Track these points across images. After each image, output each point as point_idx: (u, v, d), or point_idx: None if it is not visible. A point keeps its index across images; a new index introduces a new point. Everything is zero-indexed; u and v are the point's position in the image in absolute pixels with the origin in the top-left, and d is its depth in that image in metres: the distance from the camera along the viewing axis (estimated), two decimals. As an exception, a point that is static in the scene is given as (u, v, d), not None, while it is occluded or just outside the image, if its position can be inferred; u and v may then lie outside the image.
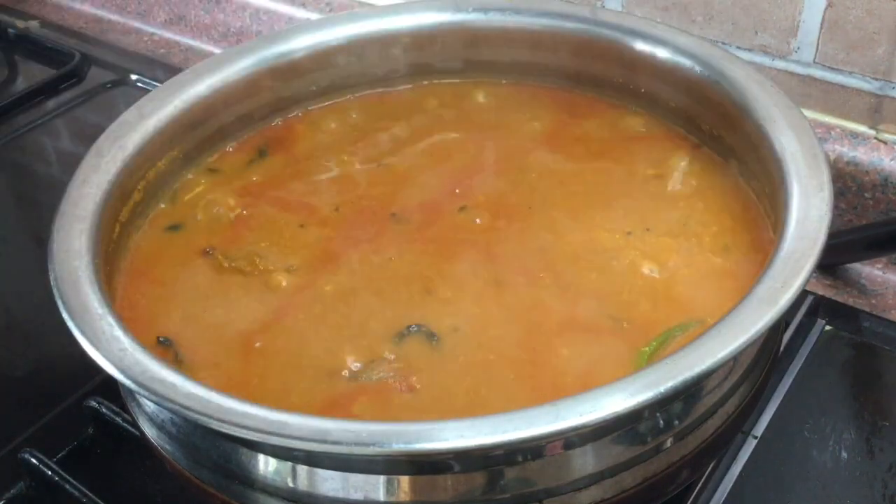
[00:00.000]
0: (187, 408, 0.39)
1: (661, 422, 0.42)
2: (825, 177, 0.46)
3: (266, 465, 0.42)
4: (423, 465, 0.40)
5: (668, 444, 0.43)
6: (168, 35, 1.01)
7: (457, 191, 0.57)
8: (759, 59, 0.68)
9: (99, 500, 0.52)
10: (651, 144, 0.59)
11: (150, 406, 0.46)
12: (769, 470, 0.52)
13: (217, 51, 0.94)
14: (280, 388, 0.46)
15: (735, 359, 0.41)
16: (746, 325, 0.40)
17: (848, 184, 0.66)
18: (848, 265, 0.66)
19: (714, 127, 0.57)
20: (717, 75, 0.55)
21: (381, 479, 0.40)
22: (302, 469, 0.41)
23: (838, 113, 0.67)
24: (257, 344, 0.48)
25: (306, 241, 0.54)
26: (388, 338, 0.48)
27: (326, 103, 0.65)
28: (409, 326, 0.48)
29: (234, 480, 0.43)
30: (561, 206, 0.55)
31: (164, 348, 0.48)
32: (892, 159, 0.64)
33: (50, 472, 0.53)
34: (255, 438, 0.38)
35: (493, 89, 0.65)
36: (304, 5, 0.91)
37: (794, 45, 0.67)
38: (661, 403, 0.41)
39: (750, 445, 0.53)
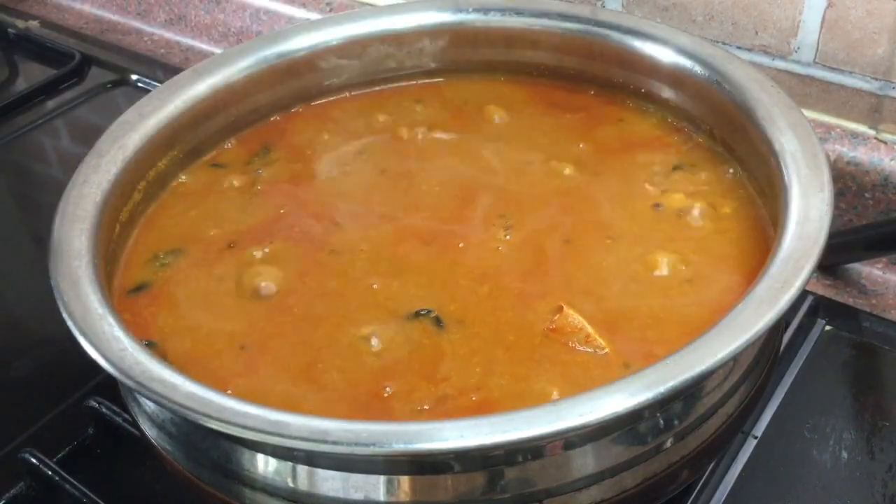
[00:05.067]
0: (187, 408, 0.39)
1: (661, 422, 0.42)
2: (825, 177, 0.46)
3: (266, 465, 0.42)
4: (423, 465, 0.40)
5: (668, 444, 0.43)
6: (168, 35, 1.01)
7: (455, 189, 0.57)
8: (759, 59, 0.68)
9: (99, 500, 0.52)
10: (650, 144, 0.59)
11: (150, 406, 0.46)
12: (769, 470, 0.52)
13: (217, 51, 0.93)
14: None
15: (735, 359, 0.41)
16: (746, 326, 0.40)
17: (848, 184, 0.66)
18: (848, 265, 0.66)
19: (714, 127, 0.57)
20: (717, 75, 0.55)
21: (381, 479, 0.40)
22: (302, 469, 0.41)
23: (838, 113, 0.67)
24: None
25: (303, 238, 0.54)
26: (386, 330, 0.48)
27: (326, 100, 0.65)
28: (418, 311, 0.48)
29: (234, 480, 0.43)
30: (556, 206, 0.55)
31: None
32: (892, 159, 0.64)
33: (50, 472, 0.53)
34: (255, 438, 0.38)
35: (492, 88, 0.65)
36: (304, 5, 0.91)
37: (794, 45, 0.67)
38: (661, 403, 0.41)
39: (750, 445, 0.52)
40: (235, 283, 0.52)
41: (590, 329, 0.46)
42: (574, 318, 0.47)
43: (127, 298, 0.51)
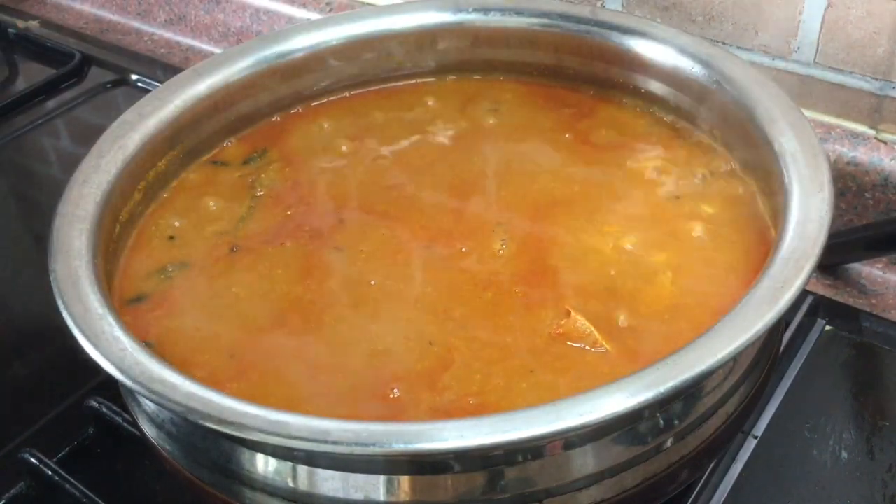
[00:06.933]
0: (187, 408, 0.39)
1: (662, 422, 0.42)
2: (825, 177, 0.46)
3: (266, 465, 0.42)
4: (423, 465, 0.40)
5: (669, 444, 0.43)
6: (168, 35, 1.01)
7: (455, 191, 0.57)
8: (759, 59, 0.68)
9: (99, 500, 0.52)
10: (651, 144, 0.59)
11: (150, 406, 0.46)
12: (769, 470, 0.52)
13: (217, 51, 0.94)
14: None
15: (735, 359, 0.41)
16: (746, 325, 0.40)
17: (848, 184, 0.66)
18: (848, 265, 0.66)
19: (714, 127, 0.57)
20: (717, 75, 0.55)
21: (381, 479, 0.40)
22: (302, 469, 0.41)
23: (838, 113, 0.67)
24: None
25: (304, 239, 0.54)
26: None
27: (326, 100, 0.65)
28: (421, 315, 0.48)
29: (234, 480, 0.43)
30: (556, 206, 0.55)
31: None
32: (892, 159, 0.64)
33: (50, 472, 0.53)
34: (255, 438, 0.38)
35: (492, 88, 0.65)
36: (304, 5, 0.91)
37: (794, 45, 0.66)
38: (661, 403, 0.41)
39: (750, 445, 0.52)
40: (235, 283, 0.52)
41: (597, 334, 0.46)
42: (581, 322, 0.47)
43: (127, 307, 0.51)
